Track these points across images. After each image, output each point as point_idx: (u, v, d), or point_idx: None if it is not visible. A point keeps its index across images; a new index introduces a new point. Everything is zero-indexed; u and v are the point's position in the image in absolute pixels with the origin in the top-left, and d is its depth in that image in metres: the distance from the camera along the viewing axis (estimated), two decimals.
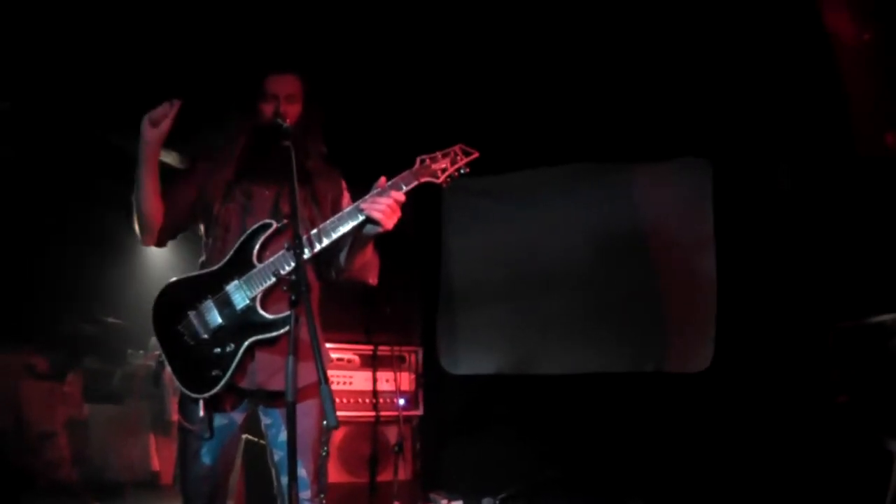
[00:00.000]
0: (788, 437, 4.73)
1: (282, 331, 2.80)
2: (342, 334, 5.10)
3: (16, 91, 4.60)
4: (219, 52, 4.54)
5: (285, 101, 3.05)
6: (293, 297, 2.57)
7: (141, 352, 5.31)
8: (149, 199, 2.98)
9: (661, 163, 5.59)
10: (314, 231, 2.89)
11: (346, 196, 3.27)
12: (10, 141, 4.73)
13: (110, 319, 5.23)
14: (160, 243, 3.13)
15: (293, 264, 2.71)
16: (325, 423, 2.94)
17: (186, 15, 4.47)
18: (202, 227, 3.12)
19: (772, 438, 4.82)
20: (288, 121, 2.93)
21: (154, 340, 5.30)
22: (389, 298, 5.04)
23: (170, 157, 3.05)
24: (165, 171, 3.04)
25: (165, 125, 2.90)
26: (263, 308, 2.87)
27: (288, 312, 2.71)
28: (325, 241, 2.88)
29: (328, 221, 2.90)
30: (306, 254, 2.78)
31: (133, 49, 4.56)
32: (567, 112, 5.47)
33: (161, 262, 5.39)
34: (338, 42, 4.82)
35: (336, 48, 4.81)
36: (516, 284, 5.85)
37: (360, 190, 3.24)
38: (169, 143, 3.02)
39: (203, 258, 3.08)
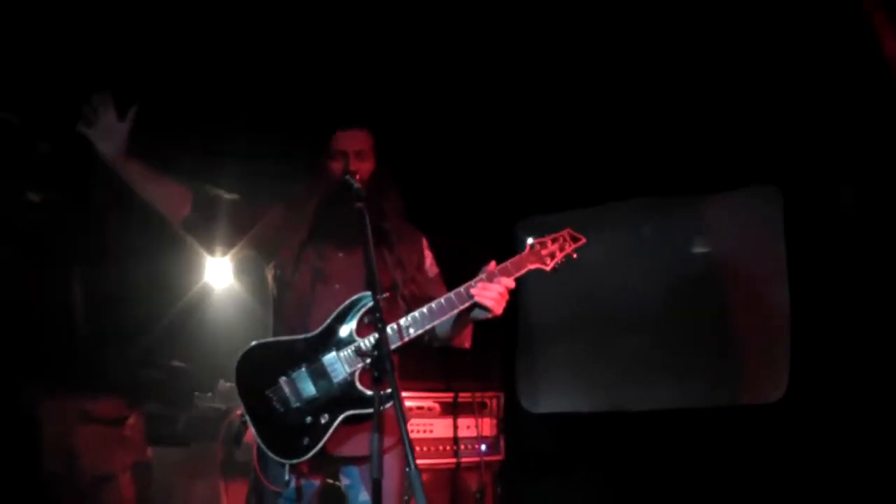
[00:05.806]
0: (865, 465, 4.55)
1: (382, 407, 2.61)
2: (421, 382, 5.05)
3: (54, 132, 4.43)
4: (283, 107, 4.42)
5: (355, 157, 2.95)
6: (376, 374, 2.50)
7: (209, 394, 5.19)
8: (156, 195, 2.93)
9: (729, 192, 5.47)
10: (423, 310, 2.81)
11: (429, 256, 3.18)
12: (53, 185, 4.56)
13: (175, 363, 5.13)
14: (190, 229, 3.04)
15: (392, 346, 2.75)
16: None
17: (250, 65, 4.34)
18: (274, 289, 3.06)
19: (848, 467, 4.61)
20: (358, 177, 2.82)
21: (223, 383, 5.16)
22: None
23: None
24: None
25: (122, 132, 2.78)
26: (361, 383, 2.83)
27: (389, 390, 2.61)
28: (432, 323, 2.83)
29: (434, 303, 2.80)
30: (412, 333, 2.80)
31: (191, 96, 4.43)
32: (630, 146, 5.36)
33: (227, 305, 5.33)
34: (399, 93, 4.72)
35: (397, 100, 4.70)
36: (591, 322, 5.83)
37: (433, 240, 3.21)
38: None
39: (274, 321, 3.04)
